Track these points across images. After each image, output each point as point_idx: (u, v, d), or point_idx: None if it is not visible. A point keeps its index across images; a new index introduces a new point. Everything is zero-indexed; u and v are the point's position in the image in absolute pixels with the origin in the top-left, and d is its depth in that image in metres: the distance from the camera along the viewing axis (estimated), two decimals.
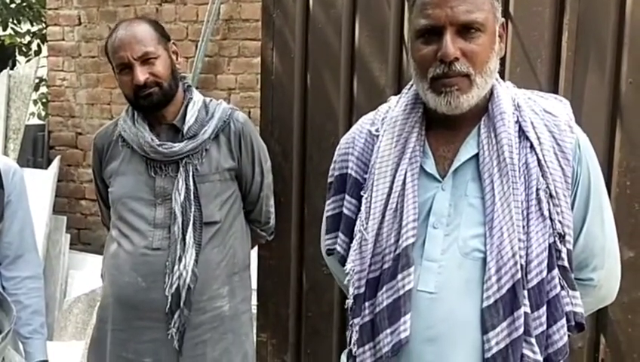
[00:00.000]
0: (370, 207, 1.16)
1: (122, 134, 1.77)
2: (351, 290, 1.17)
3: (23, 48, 7.55)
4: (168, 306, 1.69)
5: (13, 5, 8.14)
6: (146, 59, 1.67)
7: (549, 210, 1.10)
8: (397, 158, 1.16)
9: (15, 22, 8.19)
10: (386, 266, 1.13)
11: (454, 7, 1.07)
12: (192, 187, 1.72)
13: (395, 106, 1.22)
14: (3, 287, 1.76)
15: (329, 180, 1.28)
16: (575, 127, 1.16)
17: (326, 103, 2.04)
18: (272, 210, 1.92)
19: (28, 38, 7.72)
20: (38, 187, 3.63)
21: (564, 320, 1.10)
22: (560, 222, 1.10)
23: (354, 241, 1.17)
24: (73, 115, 3.89)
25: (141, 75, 1.66)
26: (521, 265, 1.07)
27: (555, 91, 1.86)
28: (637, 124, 1.80)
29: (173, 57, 1.76)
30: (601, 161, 1.80)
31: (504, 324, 1.07)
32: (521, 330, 1.06)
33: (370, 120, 1.26)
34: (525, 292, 1.08)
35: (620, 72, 1.80)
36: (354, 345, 1.17)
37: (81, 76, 3.82)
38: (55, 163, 3.70)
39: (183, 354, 1.72)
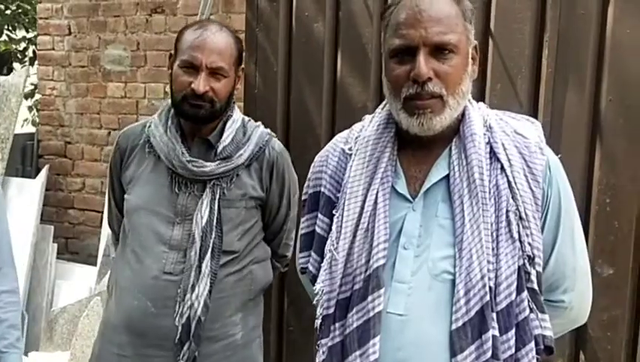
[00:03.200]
0: (341, 226, 1.15)
1: (151, 140, 1.63)
2: (319, 310, 1.16)
3: (19, 55, 7.57)
4: (178, 336, 1.57)
5: (8, 12, 8.16)
6: (215, 73, 1.55)
7: (519, 232, 1.09)
8: (369, 178, 1.16)
9: (10, 28, 8.21)
10: (356, 287, 1.13)
11: (428, 28, 1.07)
12: (215, 211, 1.59)
13: (368, 125, 1.22)
14: None
15: (303, 198, 1.28)
16: (546, 149, 1.16)
17: (308, 117, 2.05)
18: (292, 243, 1.80)
19: (23, 45, 7.73)
20: (26, 196, 3.62)
21: (532, 344, 1.09)
22: (529, 244, 1.09)
23: (324, 261, 1.17)
24: (62, 124, 3.88)
25: (203, 84, 1.53)
26: (490, 288, 1.07)
27: (535, 108, 1.87)
28: (616, 142, 1.80)
29: (236, 82, 1.64)
30: (580, 178, 1.84)
31: (472, 347, 1.06)
32: (489, 354, 1.05)
33: (344, 138, 1.25)
34: (494, 315, 1.07)
35: (600, 90, 1.81)
36: None
37: (71, 85, 3.81)
38: (43, 172, 3.69)
39: None
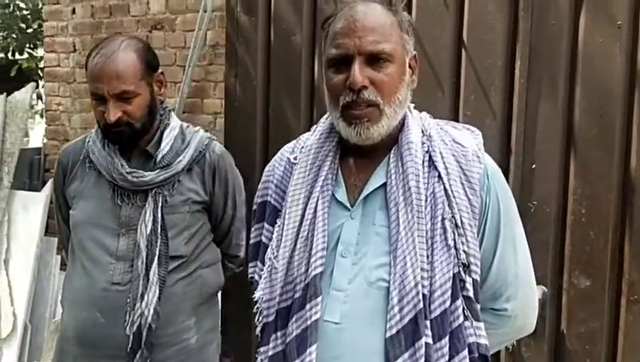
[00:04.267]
0: (282, 234, 1.17)
1: (90, 156, 1.67)
2: (259, 318, 1.16)
3: (39, 72, 7.77)
4: (130, 345, 1.59)
5: (29, 30, 8.41)
6: (122, 97, 1.55)
7: (454, 240, 1.10)
8: (310, 186, 1.17)
9: (31, 47, 8.45)
10: (296, 296, 1.14)
11: (362, 38, 1.09)
12: (159, 219, 1.61)
13: (312, 135, 1.24)
14: None
15: (253, 208, 1.30)
16: (484, 157, 1.17)
17: (287, 129, 2.07)
18: (243, 243, 1.83)
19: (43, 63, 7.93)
20: (31, 209, 3.70)
21: (466, 352, 1.09)
22: (465, 251, 1.10)
23: (264, 269, 1.18)
24: (68, 139, 3.97)
25: (113, 114, 1.54)
26: (424, 295, 1.07)
27: (509, 119, 1.87)
28: (591, 152, 1.79)
29: (156, 89, 1.64)
30: (555, 188, 1.82)
31: (406, 355, 1.06)
32: (423, 361, 1.06)
33: (291, 148, 1.27)
34: (428, 323, 1.07)
35: (573, 100, 1.80)
36: None
37: (76, 101, 3.91)
38: (48, 185, 3.77)
39: None
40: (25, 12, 8.44)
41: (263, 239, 1.23)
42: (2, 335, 3.35)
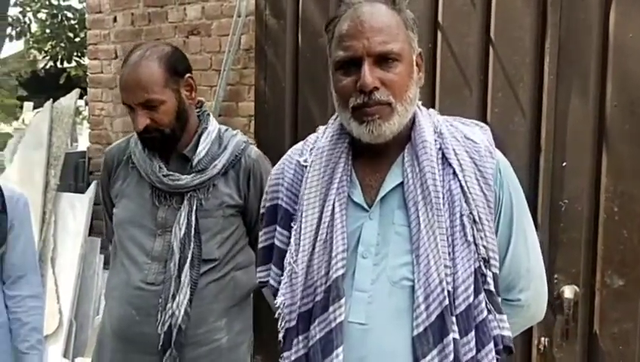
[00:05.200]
0: (299, 238, 1.17)
1: (132, 157, 1.71)
2: (282, 323, 1.17)
3: (86, 79, 8.07)
4: (161, 343, 1.63)
5: (77, 39, 8.73)
6: (147, 105, 1.58)
7: (473, 235, 1.11)
8: (325, 189, 1.17)
9: (79, 55, 8.77)
10: (317, 299, 1.14)
11: (370, 39, 1.10)
12: (193, 222, 1.63)
13: (322, 136, 1.24)
14: (6, 306, 1.90)
15: (261, 211, 1.31)
16: (495, 152, 1.18)
17: (315, 129, 2.09)
18: None
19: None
20: (76, 210, 3.84)
21: (492, 344, 1.10)
22: (484, 246, 1.11)
23: (284, 274, 1.18)
24: (110, 142, 4.10)
25: (141, 122, 1.57)
26: (449, 292, 1.08)
27: (538, 116, 1.85)
28: (623, 149, 1.75)
29: (186, 94, 1.65)
30: (587, 186, 1.79)
31: (434, 352, 1.07)
32: (452, 357, 1.06)
33: (299, 150, 1.28)
34: (454, 319, 1.08)
35: (604, 95, 1.76)
36: None
37: (117, 106, 4.05)
38: (92, 187, 3.91)
39: None
40: (72, 22, 8.78)
41: (276, 243, 1.23)
42: (48, 332, 3.48)
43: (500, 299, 1.13)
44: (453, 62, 1.91)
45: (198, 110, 1.72)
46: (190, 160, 1.66)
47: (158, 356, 1.65)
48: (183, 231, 1.63)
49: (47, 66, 9.01)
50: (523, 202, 1.20)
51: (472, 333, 1.09)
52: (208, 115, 1.74)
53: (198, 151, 1.66)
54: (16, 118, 11.47)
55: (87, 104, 8.27)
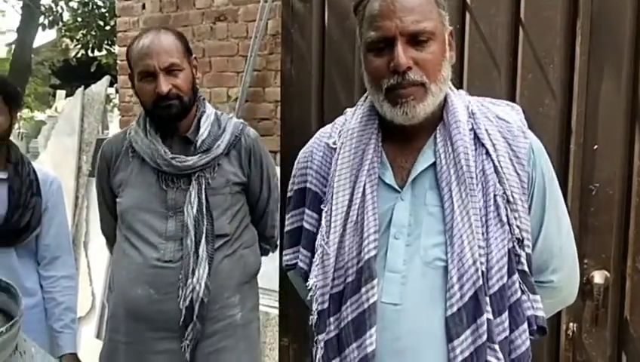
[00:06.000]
0: (330, 220, 1.18)
1: (133, 145, 1.77)
2: (314, 306, 1.18)
3: (117, 68, 8.18)
4: (182, 319, 1.69)
5: (107, 28, 8.85)
6: (170, 70, 1.66)
7: (507, 216, 1.11)
8: (355, 170, 1.18)
9: (109, 43, 8.89)
10: (349, 280, 1.15)
11: (403, 18, 1.09)
12: (204, 200, 1.70)
13: (352, 118, 1.24)
14: (41, 286, 1.97)
15: (288, 195, 1.31)
16: (528, 132, 1.16)
17: (341, 113, 2.09)
18: (277, 224, 1.91)
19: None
20: None
21: (525, 325, 1.10)
22: (518, 226, 1.11)
23: (316, 256, 1.19)
24: None
25: (165, 85, 1.64)
26: (482, 272, 1.08)
27: (570, 97, 1.80)
28: None
29: (194, 71, 1.76)
30: (619, 169, 1.75)
31: (468, 332, 1.07)
32: (485, 337, 1.07)
33: (328, 133, 1.28)
34: (487, 299, 1.08)
35: (637, 77, 1.71)
36: (319, 361, 1.19)
37: None
38: None
39: None
40: (103, 10, 8.89)
41: (305, 225, 1.24)
42: (82, 314, 3.58)
43: (533, 280, 1.13)
44: (482, 43, 1.87)
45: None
46: (193, 142, 1.74)
47: (178, 332, 1.70)
48: (195, 209, 1.69)
49: (79, 55, 9.15)
50: (555, 184, 1.19)
51: (506, 314, 1.09)
52: (204, 99, 1.83)
53: (200, 132, 1.74)
54: (50, 106, 11.72)
55: (117, 91, 8.41)
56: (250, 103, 3.52)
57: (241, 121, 1.88)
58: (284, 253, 1.29)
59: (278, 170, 2.16)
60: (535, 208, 1.15)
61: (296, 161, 1.30)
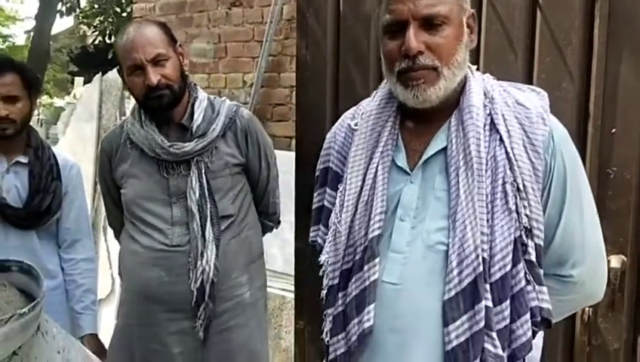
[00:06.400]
0: (343, 199, 1.20)
1: (130, 137, 1.80)
2: (325, 281, 1.21)
3: None
4: (194, 300, 1.73)
5: (124, 14, 8.89)
6: (157, 61, 1.68)
7: (516, 204, 1.08)
8: (370, 152, 1.19)
9: None
10: (357, 258, 1.17)
11: (416, 2, 1.09)
12: (205, 184, 1.74)
13: (371, 101, 1.25)
14: (62, 268, 2.01)
15: (316, 174, 1.34)
16: (549, 119, 1.14)
17: (357, 98, 2.07)
18: (279, 201, 1.97)
19: None
20: None
21: (528, 316, 1.08)
22: (527, 215, 1.08)
23: (329, 233, 1.22)
24: None
25: (153, 76, 1.66)
26: (484, 259, 1.07)
27: (587, 81, 1.78)
28: None
29: (181, 59, 1.78)
30: (637, 153, 1.73)
31: (464, 318, 1.07)
32: (482, 324, 1.06)
33: (352, 114, 1.30)
34: (487, 286, 1.07)
35: None
36: (327, 334, 1.21)
37: None
38: None
39: (210, 342, 1.77)
40: None
41: (326, 203, 1.27)
42: (102, 296, 3.65)
43: (542, 271, 1.10)
44: (499, 25, 1.85)
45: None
46: (189, 128, 1.77)
47: (190, 312, 1.75)
48: (197, 194, 1.73)
49: (97, 42, 9.22)
50: (579, 173, 1.16)
51: (507, 303, 1.08)
52: (195, 85, 1.85)
53: (194, 118, 1.76)
54: (68, 93, 11.84)
55: None
56: (266, 89, 3.52)
57: (235, 103, 1.89)
58: (311, 230, 1.31)
59: (291, 154, 2.18)
60: (554, 198, 1.12)
61: (325, 141, 1.32)
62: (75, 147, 3.97)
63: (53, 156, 1.99)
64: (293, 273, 2.29)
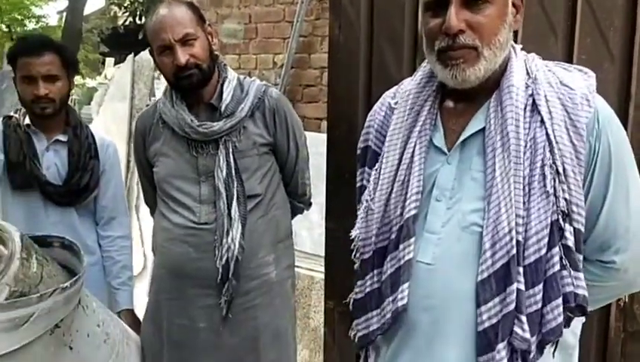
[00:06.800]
0: (379, 178, 1.21)
1: (162, 116, 1.83)
2: (357, 255, 1.23)
3: None
4: (219, 277, 1.76)
5: None
6: (186, 41, 1.70)
7: (554, 187, 1.06)
8: (408, 131, 1.19)
9: None
10: (392, 237, 1.18)
11: None
12: (232, 163, 1.76)
13: (411, 80, 1.25)
14: (99, 245, 2.06)
15: (357, 153, 1.34)
16: (595, 101, 1.10)
17: (390, 79, 2.07)
18: (309, 182, 1.98)
19: None
20: None
21: (560, 301, 1.06)
22: (565, 199, 1.06)
23: (360, 210, 1.23)
24: None
25: (182, 56, 1.69)
26: (518, 241, 1.06)
27: (629, 62, 1.74)
28: None
29: (210, 39, 1.79)
30: None
31: (497, 299, 1.07)
32: (513, 306, 1.05)
33: (392, 93, 1.30)
34: (521, 269, 1.06)
35: None
36: (357, 310, 1.23)
37: None
38: None
39: (236, 319, 1.81)
40: None
41: (365, 183, 1.27)
42: (134, 274, 3.72)
43: (580, 257, 1.08)
44: (539, 6, 1.81)
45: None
46: (217, 108, 1.78)
47: (216, 289, 1.78)
48: (225, 173, 1.76)
49: (127, 22, 9.30)
50: (627, 157, 1.12)
51: (540, 286, 1.06)
52: (225, 65, 1.87)
53: (223, 97, 1.78)
54: (99, 73, 12.00)
55: None
56: (296, 70, 3.52)
57: (264, 83, 1.90)
58: (358, 207, 1.32)
59: (322, 136, 2.17)
60: (597, 182, 1.09)
61: (366, 120, 1.32)
62: (109, 126, 4.04)
63: (91, 135, 2.03)
64: (321, 254, 2.31)
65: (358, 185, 1.32)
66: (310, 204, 2.05)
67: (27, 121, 1.96)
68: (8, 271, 1.37)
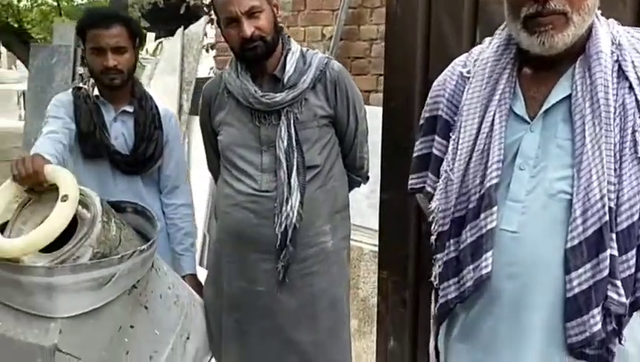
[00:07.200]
0: (457, 148, 1.21)
1: (227, 87, 1.89)
2: (435, 227, 1.24)
3: (205, 8, 8.33)
4: (278, 243, 1.83)
5: None
6: (252, 13, 1.75)
7: None
8: (486, 100, 1.19)
9: None
10: (471, 206, 1.19)
11: None
12: (293, 134, 1.82)
13: (488, 47, 1.25)
14: (163, 212, 2.14)
15: (420, 122, 1.36)
16: None
17: (448, 52, 2.06)
18: (367, 156, 2.01)
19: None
20: None
21: None
22: None
23: (440, 181, 1.24)
24: None
25: (248, 28, 1.74)
26: (610, 208, 1.07)
27: None
28: None
29: (275, 11, 1.84)
30: None
31: (588, 266, 1.08)
32: (606, 272, 1.07)
33: (463, 61, 1.30)
34: (613, 235, 1.07)
35: None
36: (436, 278, 1.25)
37: None
38: None
39: (293, 285, 1.88)
40: None
41: (435, 151, 1.28)
42: None
43: None
44: None
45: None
46: (280, 79, 1.83)
47: (274, 254, 1.85)
48: (285, 143, 1.81)
49: None
50: None
51: (633, 252, 1.07)
52: (289, 37, 1.91)
53: (286, 69, 1.83)
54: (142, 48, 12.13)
55: (206, 35, 8.58)
56: (345, 41, 3.51)
57: (327, 55, 1.93)
58: (410, 177, 1.34)
59: (372, 108, 2.19)
60: None
61: (431, 90, 1.33)
62: (160, 99, 4.13)
63: (155, 106, 2.10)
64: (369, 226, 2.34)
65: (420, 153, 1.33)
66: (368, 178, 2.09)
67: (96, 92, 2.04)
68: (92, 234, 1.46)
